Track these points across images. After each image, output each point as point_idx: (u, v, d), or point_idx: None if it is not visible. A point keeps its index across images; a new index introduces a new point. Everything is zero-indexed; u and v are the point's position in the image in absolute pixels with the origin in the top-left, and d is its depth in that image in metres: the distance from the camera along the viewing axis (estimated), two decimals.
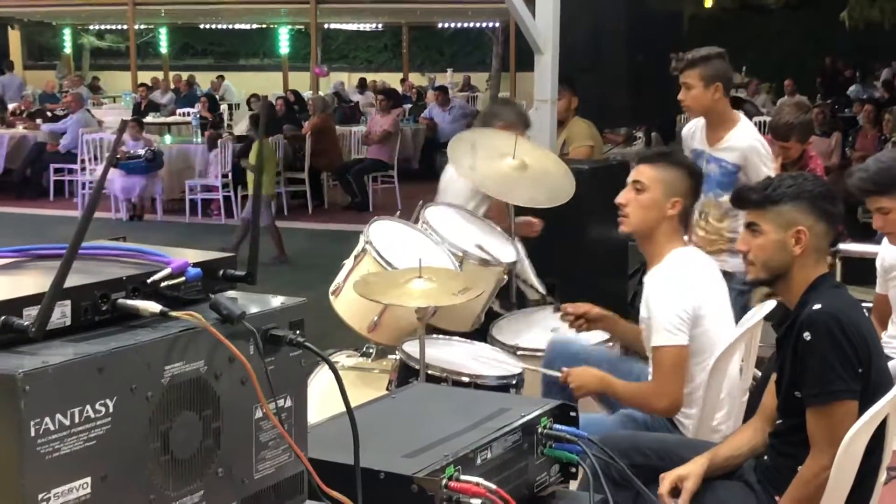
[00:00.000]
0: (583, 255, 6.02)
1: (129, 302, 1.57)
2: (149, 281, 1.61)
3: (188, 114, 17.71)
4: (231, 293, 1.77)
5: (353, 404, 2.18)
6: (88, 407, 1.41)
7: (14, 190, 14.93)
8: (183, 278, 1.64)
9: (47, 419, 1.36)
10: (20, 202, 14.41)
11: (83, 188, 13.44)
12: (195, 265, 1.68)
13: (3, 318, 1.42)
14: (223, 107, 18.79)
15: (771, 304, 3.81)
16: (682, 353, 3.63)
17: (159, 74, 24.40)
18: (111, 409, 1.44)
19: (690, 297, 3.65)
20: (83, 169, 13.60)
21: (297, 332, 1.73)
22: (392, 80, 24.83)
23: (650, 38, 7.59)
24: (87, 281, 1.54)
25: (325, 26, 28.36)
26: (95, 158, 13.49)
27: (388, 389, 3.97)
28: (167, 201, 13.63)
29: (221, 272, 1.76)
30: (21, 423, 1.33)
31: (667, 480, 3.13)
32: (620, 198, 3.88)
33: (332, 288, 4.47)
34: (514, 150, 4.75)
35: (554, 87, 6.57)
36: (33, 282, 1.56)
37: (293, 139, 13.97)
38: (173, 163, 13.41)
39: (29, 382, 1.33)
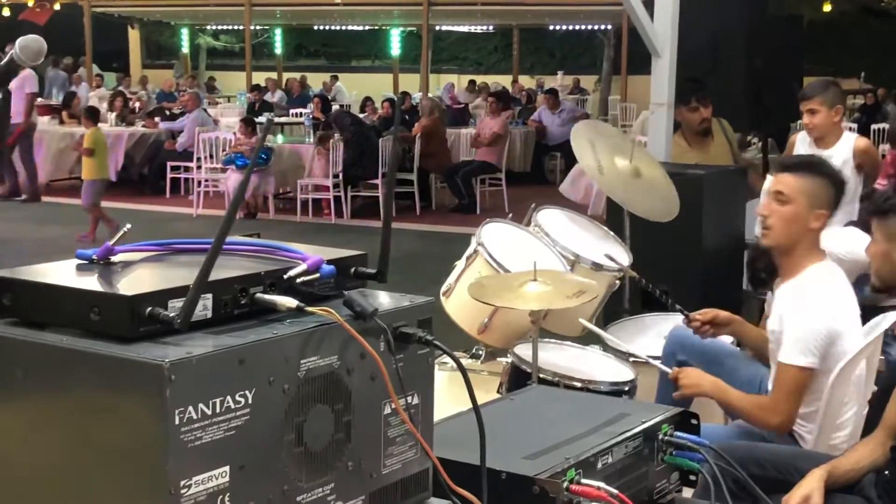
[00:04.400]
0: (697, 262, 5.94)
1: (267, 296, 1.61)
2: (285, 276, 1.66)
3: (300, 114, 17.97)
4: (360, 290, 1.81)
5: (468, 406, 2.20)
6: (229, 397, 1.45)
7: (132, 187, 15.31)
8: (317, 275, 1.68)
9: (190, 408, 1.41)
10: (138, 199, 14.76)
11: (198, 186, 13.72)
12: (328, 262, 1.72)
13: (150, 308, 1.47)
14: (335, 108, 19.00)
15: (893, 317, 3.72)
16: (807, 374, 3.55)
17: (273, 75, 24.80)
18: (250, 401, 1.48)
19: (827, 318, 3.55)
20: (199, 167, 13.88)
21: (426, 330, 1.75)
22: (502, 82, 24.83)
23: (770, 42, 7.46)
24: (228, 275, 1.59)
25: (436, 28, 28.51)
26: (211, 157, 13.76)
27: (498, 392, 3.98)
28: (281, 200, 13.86)
29: (353, 269, 1.79)
30: (166, 412, 1.38)
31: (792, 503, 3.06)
32: (762, 209, 3.78)
33: (443, 289, 4.50)
34: (630, 154, 4.74)
35: (671, 91, 6.50)
36: (177, 275, 1.61)
37: (402, 141, 14.07)
38: (285, 162, 13.62)
39: (175, 372, 1.38)
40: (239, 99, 21.28)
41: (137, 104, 18.00)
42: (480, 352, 4.57)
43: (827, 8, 21.78)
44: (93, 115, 12.30)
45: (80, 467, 1.46)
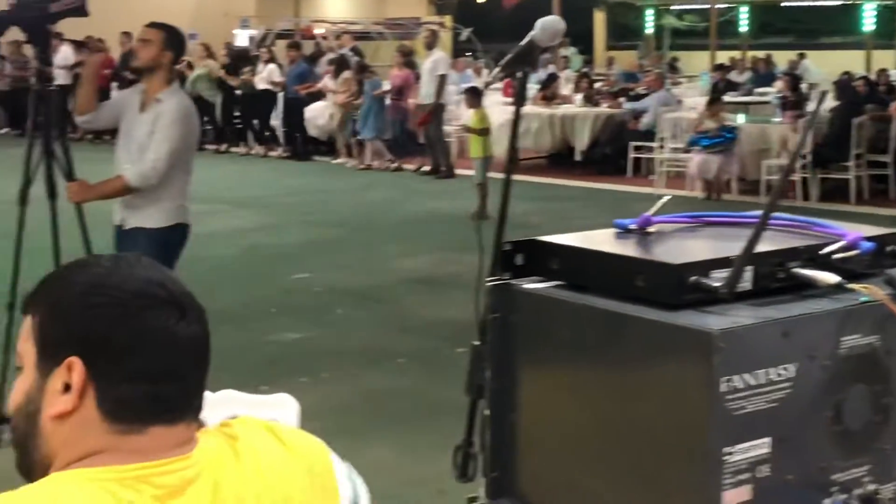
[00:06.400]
0: None
1: (806, 271, 1.59)
2: (822, 252, 1.63)
3: (766, 93, 17.51)
4: None
5: None
6: (772, 369, 1.46)
7: (595, 166, 15.67)
8: (857, 251, 1.64)
9: (735, 377, 1.43)
10: (599, 178, 15.07)
11: (660, 166, 13.79)
12: (866, 239, 1.67)
13: (694, 277, 1.50)
14: (803, 86, 18.35)
15: None
16: None
17: (736, 54, 24.36)
18: (791, 374, 1.48)
19: None
20: (661, 147, 13.94)
21: None
22: None
23: None
24: (768, 249, 1.59)
25: None
26: (674, 137, 13.78)
27: None
28: (744, 182, 13.60)
29: (890, 248, 1.73)
30: (712, 379, 1.41)
31: None
32: None
33: None
34: None
35: None
36: (716, 246, 1.64)
37: (879, 120, 13.29)
38: (751, 143, 13.33)
39: (723, 340, 1.41)
40: (702, 78, 21.10)
41: (602, 85, 18.39)
42: None
43: None
44: (476, 97, 12.67)
45: (622, 426, 1.53)
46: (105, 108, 4.63)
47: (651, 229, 1.73)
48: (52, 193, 4.38)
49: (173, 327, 1.17)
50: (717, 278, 1.51)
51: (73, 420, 1.15)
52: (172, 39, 4.41)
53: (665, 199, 1.75)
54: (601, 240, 1.70)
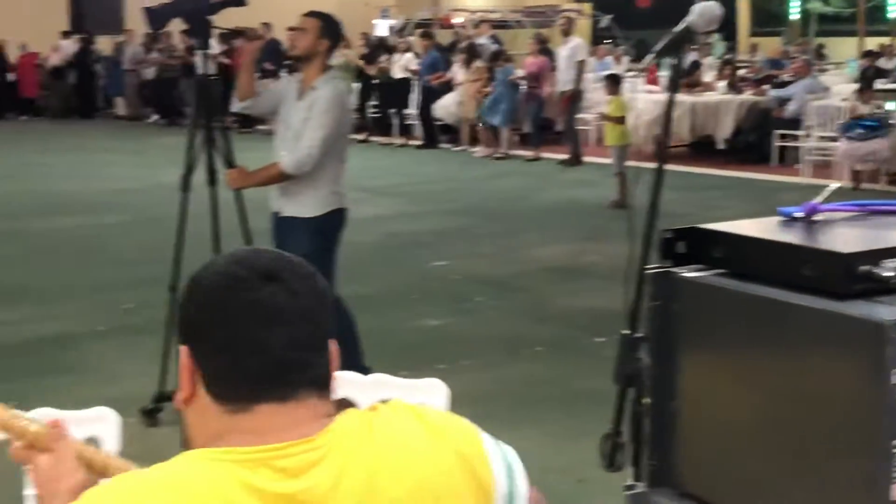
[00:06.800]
0: None
1: None
2: None
3: None
4: None
5: None
6: None
7: (737, 155, 15.36)
8: None
9: None
10: (742, 167, 14.77)
11: (807, 155, 13.44)
12: None
13: (864, 267, 1.47)
14: None
15: None
16: None
17: (885, 40, 23.54)
18: None
19: None
20: (808, 136, 13.59)
21: None
22: None
23: None
24: None
25: None
26: (821, 125, 13.42)
27: None
28: (891, 171, 13.17)
29: None
30: (883, 371, 1.38)
31: None
32: None
33: None
34: None
35: None
36: (885, 235, 1.60)
37: None
38: None
39: (895, 331, 1.38)
40: (849, 65, 20.46)
41: (747, 72, 17.99)
42: None
43: None
44: (615, 84, 12.44)
45: (788, 416, 1.51)
46: (265, 95, 4.71)
47: (817, 217, 1.70)
48: (212, 180, 4.50)
49: (261, 300, 1.20)
50: (889, 268, 1.48)
51: (195, 405, 1.23)
52: (328, 28, 4.48)
53: (833, 187, 1.72)
54: (766, 228, 1.67)
